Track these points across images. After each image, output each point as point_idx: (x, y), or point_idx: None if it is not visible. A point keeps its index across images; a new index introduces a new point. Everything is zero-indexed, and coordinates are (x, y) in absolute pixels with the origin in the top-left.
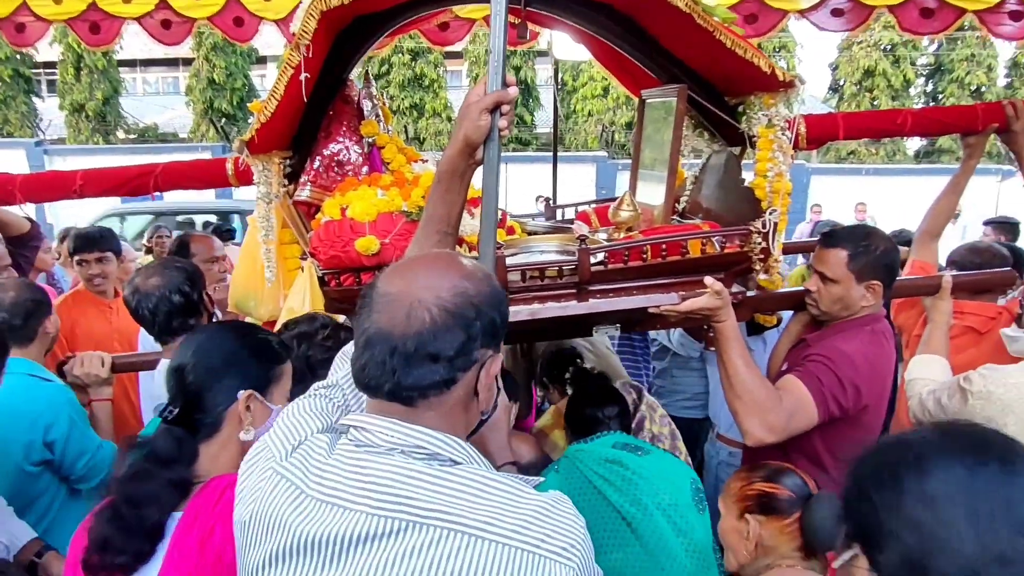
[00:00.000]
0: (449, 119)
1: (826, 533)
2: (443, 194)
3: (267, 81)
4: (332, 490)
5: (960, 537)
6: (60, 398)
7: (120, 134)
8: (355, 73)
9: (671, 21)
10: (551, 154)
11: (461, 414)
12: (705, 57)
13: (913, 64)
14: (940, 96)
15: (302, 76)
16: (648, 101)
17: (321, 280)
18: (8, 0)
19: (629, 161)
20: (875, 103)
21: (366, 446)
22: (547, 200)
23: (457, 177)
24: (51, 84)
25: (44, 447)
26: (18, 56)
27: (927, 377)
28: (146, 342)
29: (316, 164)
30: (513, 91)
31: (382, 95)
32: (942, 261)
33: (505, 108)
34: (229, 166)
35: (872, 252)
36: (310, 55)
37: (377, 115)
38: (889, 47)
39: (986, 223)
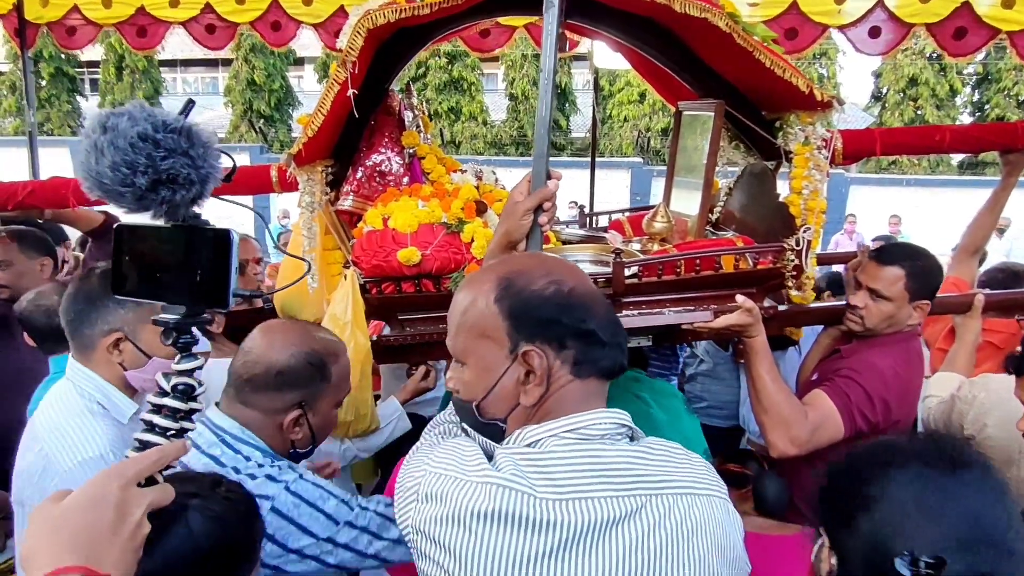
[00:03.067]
0: (485, 123)
1: (768, 501)
2: None
3: (304, 83)
4: (568, 487)
5: (915, 524)
6: None
7: None
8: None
9: (711, 37)
10: (586, 159)
11: None
12: (743, 74)
13: (960, 73)
14: (987, 107)
15: (350, 92)
16: (685, 113)
17: (362, 288)
18: (60, 4)
19: (664, 167)
20: (919, 112)
21: (582, 440)
22: (581, 207)
23: None
24: (93, 83)
25: None
26: (62, 56)
27: (940, 394)
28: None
29: (359, 174)
30: (553, 185)
31: (423, 104)
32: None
33: (547, 205)
34: (274, 174)
35: (929, 272)
36: (356, 71)
37: (418, 126)
38: (935, 55)
39: None
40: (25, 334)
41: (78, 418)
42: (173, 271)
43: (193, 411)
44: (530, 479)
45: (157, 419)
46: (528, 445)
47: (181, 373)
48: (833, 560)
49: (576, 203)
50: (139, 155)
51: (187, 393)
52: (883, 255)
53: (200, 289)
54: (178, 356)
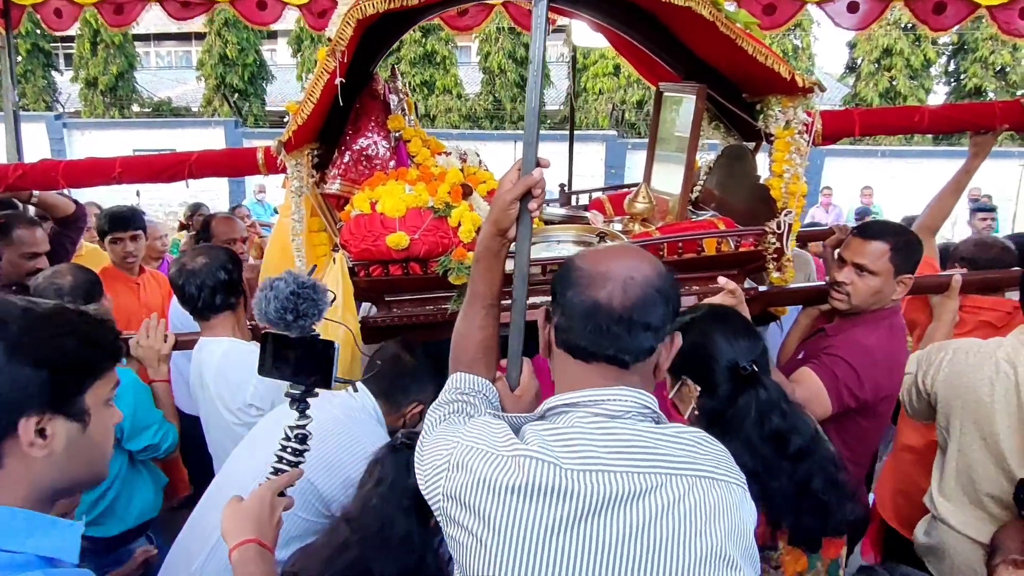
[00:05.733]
0: (459, 96)
1: None
2: (483, 272)
3: (277, 56)
4: (591, 458)
5: (719, 348)
6: (124, 380)
7: (135, 108)
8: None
9: (693, 22)
10: (561, 132)
11: (651, 380)
12: (725, 58)
13: (935, 43)
14: (963, 76)
15: (337, 81)
16: (666, 94)
17: (351, 270)
18: None
19: (639, 140)
20: (893, 83)
21: (604, 416)
22: (562, 186)
23: (493, 256)
24: (67, 58)
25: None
26: (38, 31)
27: (911, 371)
28: (175, 319)
29: (346, 158)
30: (538, 173)
31: (407, 87)
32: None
33: (536, 191)
34: (260, 156)
35: (912, 246)
36: (345, 60)
37: (403, 109)
38: (910, 25)
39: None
40: None
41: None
42: (298, 364)
43: (305, 451)
44: (555, 451)
45: (285, 455)
46: (548, 409)
47: (299, 426)
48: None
49: (563, 185)
50: (289, 303)
51: (302, 440)
52: (867, 230)
53: (314, 375)
54: (298, 415)
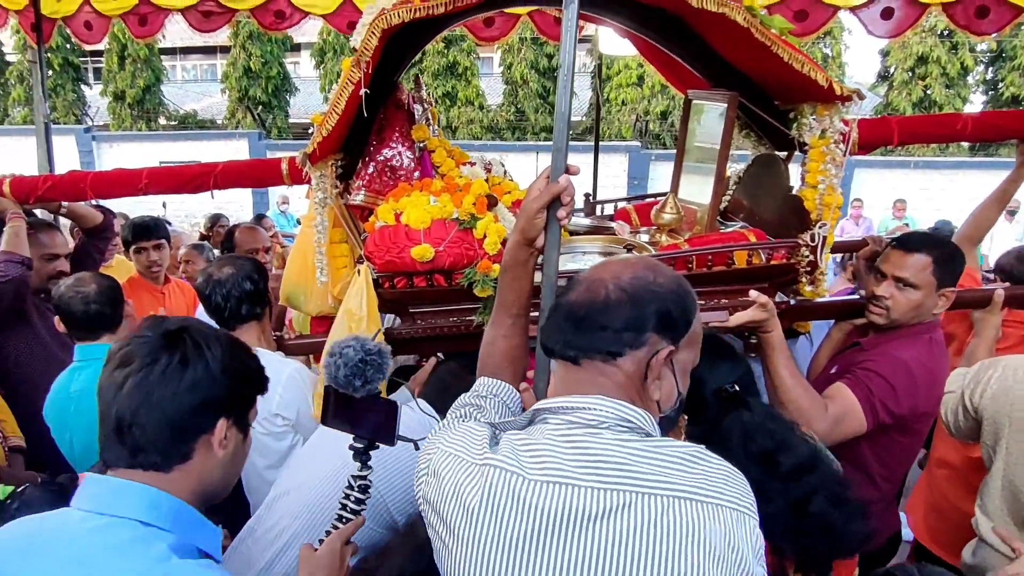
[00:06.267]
0: (481, 107)
1: None
2: (511, 282)
3: (300, 69)
4: (555, 470)
5: (699, 376)
6: None
7: (161, 121)
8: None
9: (724, 27)
10: (583, 143)
11: (636, 392)
12: (758, 65)
13: (972, 50)
14: (1000, 85)
15: (362, 92)
16: (695, 102)
17: (375, 282)
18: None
19: (662, 151)
20: (928, 92)
21: (576, 425)
22: (587, 196)
23: (521, 265)
24: (96, 72)
25: None
26: (68, 46)
27: (953, 389)
28: None
29: (370, 169)
30: (564, 180)
31: (431, 97)
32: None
33: (565, 199)
34: (284, 167)
35: (954, 259)
36: (370, 71)
37: (427, 119)
38: (946, 32)
39: None
40: (57, 319)
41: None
42: (362, 419)
43: (366, 499)
44: (522, 460)
45: (349, 503)
46: (533, 412)
47: (361, 476)
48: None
49: (588, 195)
50: (358, 370)
51: (364, 489)
52: (908, 242)
53: (377, 431)
54: (360, 466)
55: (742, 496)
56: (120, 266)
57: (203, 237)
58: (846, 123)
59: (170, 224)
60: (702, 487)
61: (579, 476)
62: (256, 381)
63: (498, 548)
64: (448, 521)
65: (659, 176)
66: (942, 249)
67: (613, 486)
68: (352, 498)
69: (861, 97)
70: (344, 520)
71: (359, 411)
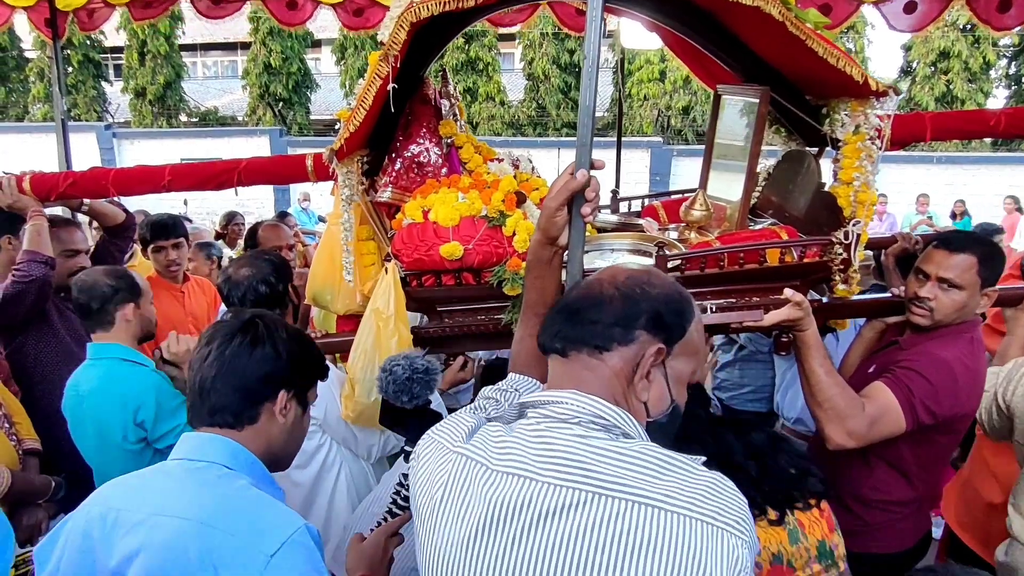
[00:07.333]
0: (503, 103)
1: None
2: (534, 280)
3: (321, 65)
4: (518, 463)
5: None
6: (147, 382)
7: (182, 117)
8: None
9: (758, 22)
10: (607, 139)
11: (620, 390)
12: (790, 59)
13: (995, 44)
14: (1023, 80)
15: (390, 87)
16: (725, 97)
17: (403, 280)
18: None
19: (684, 147)
20: (950, 87)
21: (547, 419)
22: (614, 192)
23: (544, 264)
24: (117, 69)
25: (136, 427)
26: (88, 42)
27: (987, 390)
28: None
29: (397, 165)
30: (582, 177)
31: (457, 91)
32: None
33: (590, 195)
34: (309, 163)
35: (997, 257)
36: (398, 65)
37: (454, 114)
38: (969, 27)
39: None
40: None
41: None
42: (411, 425)
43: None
44: (490, 451)
45: (398, 499)
46: (521, 405)
47: (405, 484)
48: None
49: (614, 191)
50: (406, 387)
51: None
52: (951, 243)
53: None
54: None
55: (724, 512)
56: (140, 266)
57: (218, 235)
58: (882, 119)
59: (191, 221)
60: (671, 495)
61: (539, 470)
62: (315, 366)
63: (456, 534)
64: (418, 504)
65: (681, 172)
66: (985, 248)
67: (571, 484)
68: (402, 495)
69: (898, 92)
70: (393, 515)
71: (409, 418)
